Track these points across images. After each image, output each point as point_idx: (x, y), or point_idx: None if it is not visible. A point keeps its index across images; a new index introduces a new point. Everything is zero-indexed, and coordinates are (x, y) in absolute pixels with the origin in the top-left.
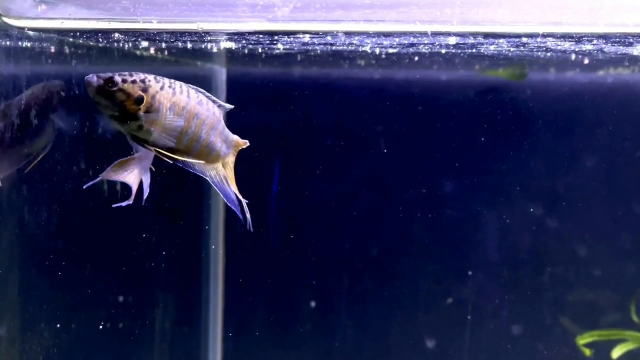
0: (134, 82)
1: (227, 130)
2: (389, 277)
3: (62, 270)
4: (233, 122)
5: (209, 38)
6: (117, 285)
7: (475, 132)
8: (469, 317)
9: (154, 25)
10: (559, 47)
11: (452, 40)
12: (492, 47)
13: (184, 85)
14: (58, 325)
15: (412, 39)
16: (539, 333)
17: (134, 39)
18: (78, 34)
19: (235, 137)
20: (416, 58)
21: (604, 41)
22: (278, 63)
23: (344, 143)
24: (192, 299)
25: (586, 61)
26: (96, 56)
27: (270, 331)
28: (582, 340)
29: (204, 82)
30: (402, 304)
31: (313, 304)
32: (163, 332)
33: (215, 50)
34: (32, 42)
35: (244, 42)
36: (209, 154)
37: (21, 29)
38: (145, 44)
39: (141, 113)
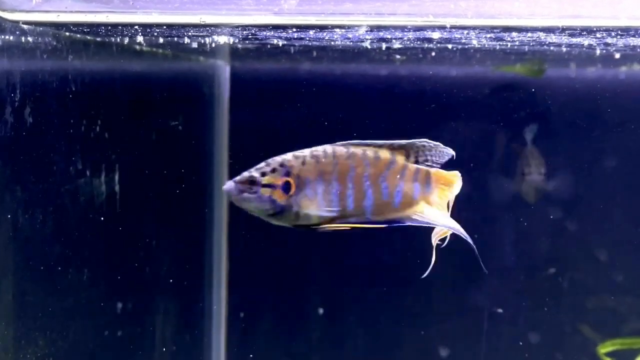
0: (274, 170)
1: (418, 167)
2: (401, 283)
3: (58, 275)
4: (236, 120)
5: (211, 32)
6: (116, 292)
7: (490, 130)
8: (484, 324)
9: (154, 18)
10: (578, 42)
11: (467, 35)
12: (508, 42)
13: (329, 147)
14: (54, 334)
15: (425, 33)
16: (558, 341)
17: (133, 32)
18: (75, 27)
19: (437, 171)
20: (433, 54)
21: (627, 35)
22: (284, 59)
23: None
24: (194, 305)
25: (612, 56)
26: (94, 51)
27: (276, 339)
28: (603, 349)
29: (206, 79)
30: (415, 311)
31: (321, 310)
32: (164, 341)
33: (218, 45)
34: (26, 37)
35: (248, 36)
36: (393, 203)
37: (15, 22)
38: (144, 38)
39: (292, 200)
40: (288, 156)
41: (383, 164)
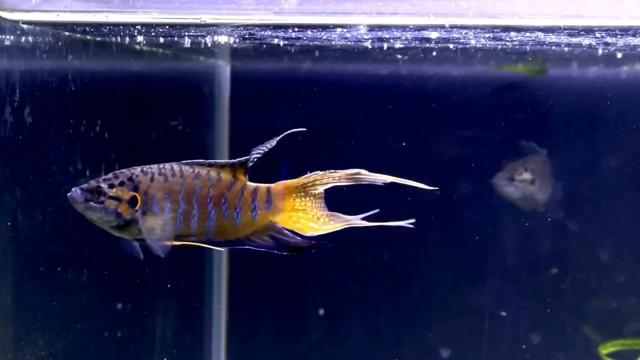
0: (121, 184)
1: (257, 185)
2: (402, 283)
3: (58, 276)
4: (237, 120)
5: (212, 31)
6: (115, 292)
7: (492, 131)
8: (485, 325)
9: (154, 18)
10: (577, 41)
11: (468, 34)
12: (507, 41)
13: (176, 165)
14: (53, 334)
15: (424, 32)
16: (559, 342)
17: (133, 32)
18: (75, 27)
19: (276, 185)
20: (434, 53)
21: (629, 35)
22: (285, 58)
23: (354, 142)
24: (194, 305)
25: (614, 56)
26: (93, 51)
27: (277, 340)
28: (605, 349)
29: (206, 79)
30: (416, 311)
31: (322, 311)
32: (164, 341)
33: (218, 44)
34: (26, 36)
35: (248, 36)
36: (234, 224)
37: (15, 22)
38: (144, 38)
39: (138, 215)
40: (137, 171)
41: (224, 185)
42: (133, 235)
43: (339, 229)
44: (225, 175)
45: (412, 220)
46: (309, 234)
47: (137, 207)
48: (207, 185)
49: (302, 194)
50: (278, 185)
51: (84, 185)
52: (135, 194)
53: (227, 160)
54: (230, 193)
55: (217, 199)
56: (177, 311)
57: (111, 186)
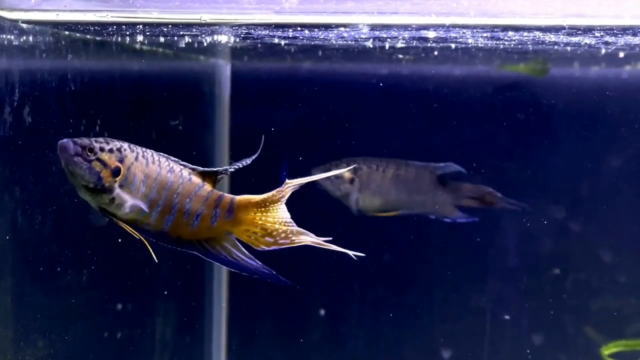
0: (111, 150)
1: (222, 194)
2: (403, 284)
3: (57, 276)
4: (237, 120)
5: (212, 31)
6: (115, 292)
7: (493, 130)
8: (487, 326)
9: (154, 17)
10: (577, 41)
11: (463, 33)
12: (505, 41)
13: (155, 154)
14: (53, 335)
15: (423, 32)
16: (561, 343)
17: (133, 32)
18: (74, 26)
19: (240, 198)
20: (435, 53)
21: (624, 34)
22: (285, 58)
23: (354, 142)
24: (194, 306)
25: (616, 55)
26: (93, 50)
27: (277, 340)
28: (607, 350)
29: (206, 78)
30: (417, 312)
31: (322, 311)
32: (164, 342)
33: (218, 44)
34: (25, 36)
35: (249, 35)
36: (191, 225)
37: (14, 21)
38: (144, 37)
39: (116, 186)
40: (124, 145)
41: (193, 186)
42: (99, 203)
43: (295, 245)
44: (195, 178)
45: (362, 255)
46: (262, 248)
47: (118, 178)
48: (178, 182)
49: (264, 209)
50: (242, 199)
51: (77, 139)
52: (120, 165)
53: (197, 167)
54: (196, 195)
55: (183, 197)
56: (177, 312)
57: (102, 149)
